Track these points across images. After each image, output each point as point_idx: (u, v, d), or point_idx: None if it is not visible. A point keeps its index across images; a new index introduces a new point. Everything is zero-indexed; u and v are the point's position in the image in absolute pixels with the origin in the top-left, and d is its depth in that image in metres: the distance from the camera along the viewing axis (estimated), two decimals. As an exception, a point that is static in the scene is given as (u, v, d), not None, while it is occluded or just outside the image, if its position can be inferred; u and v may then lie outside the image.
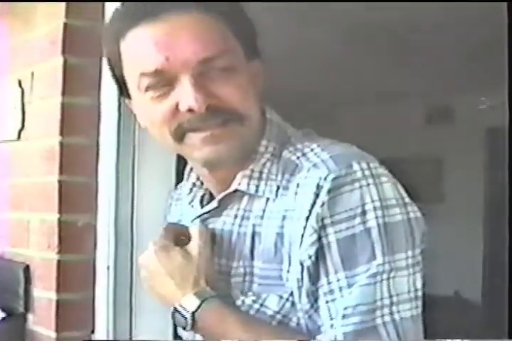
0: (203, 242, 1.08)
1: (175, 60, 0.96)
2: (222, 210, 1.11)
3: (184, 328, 1.05)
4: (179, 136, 1.02)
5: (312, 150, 1.03)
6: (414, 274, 0.96)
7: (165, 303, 1.10)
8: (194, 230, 1.10)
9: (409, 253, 0.96)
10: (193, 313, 1.02)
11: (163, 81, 0.98)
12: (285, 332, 0.99)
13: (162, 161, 1.77)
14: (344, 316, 0.93)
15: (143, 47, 0.98)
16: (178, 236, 1.11)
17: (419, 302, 0.96)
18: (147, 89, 1.00)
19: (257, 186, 1.06)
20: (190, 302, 1.03)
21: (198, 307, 1.02)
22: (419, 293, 0.96)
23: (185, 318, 1.03)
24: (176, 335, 1.20)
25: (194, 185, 1.20)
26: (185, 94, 0.96)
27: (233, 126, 1.00)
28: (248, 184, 1.06)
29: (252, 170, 1.07)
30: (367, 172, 0.96)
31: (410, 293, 0.95)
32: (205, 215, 1.14)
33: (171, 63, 0.96)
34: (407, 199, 0.99)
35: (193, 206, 1.19)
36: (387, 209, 0.95)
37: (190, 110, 0.97)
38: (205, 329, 1.04)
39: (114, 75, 1.09)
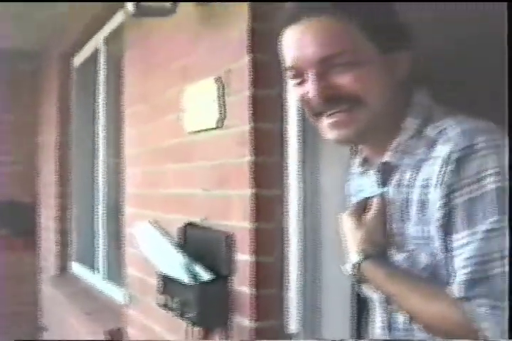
0: (373, 211, 1.32)
1: (301, 59, 1.21)
2: (386, 179, 1.32)
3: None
4: (315, 117, 1.27)
5: (449, 126, 1.21)
6: None
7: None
8: (372, 201, 1.34)
9: None
10: (354, 267, 1.29)
11: (297, 74, 1.25)
12: (425, 286, 1.20)
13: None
14: (461, 267, 1.10)
15: (286, 45, 1.26)
16: (366, 206, 1.35)
17: None
18: (290, 78, 1.28)
19: (402, 159, 1.27)
20: (353, 258, 1.30)
21: (358, 263, 1.28)
22: None
23: (349, 270, 1.31)
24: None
25: (366, 158, 1.41)
26: (310, 86, 1.22)
27: (356, 111, 1.22)
28: (394, 156, 1.28)
29: (398, 144, 1.28)
30: (489, 144, 1.11)
31: None
32: (376, 184, 1.34)
33: (298, 61, 1.22)
34: None
35: (366, 175, 1.41)
36: (503, 175, 1.08)
37: (313, 98, 1.22)
38: (366, 281, 1.30)
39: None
